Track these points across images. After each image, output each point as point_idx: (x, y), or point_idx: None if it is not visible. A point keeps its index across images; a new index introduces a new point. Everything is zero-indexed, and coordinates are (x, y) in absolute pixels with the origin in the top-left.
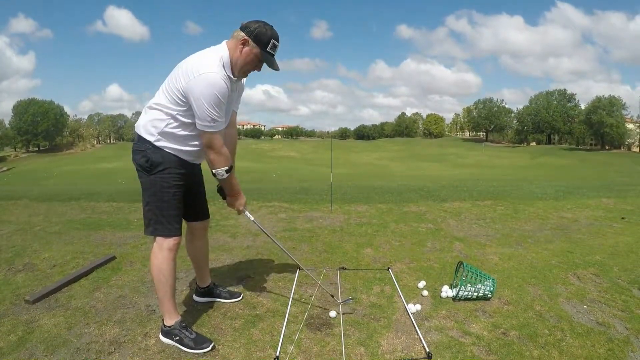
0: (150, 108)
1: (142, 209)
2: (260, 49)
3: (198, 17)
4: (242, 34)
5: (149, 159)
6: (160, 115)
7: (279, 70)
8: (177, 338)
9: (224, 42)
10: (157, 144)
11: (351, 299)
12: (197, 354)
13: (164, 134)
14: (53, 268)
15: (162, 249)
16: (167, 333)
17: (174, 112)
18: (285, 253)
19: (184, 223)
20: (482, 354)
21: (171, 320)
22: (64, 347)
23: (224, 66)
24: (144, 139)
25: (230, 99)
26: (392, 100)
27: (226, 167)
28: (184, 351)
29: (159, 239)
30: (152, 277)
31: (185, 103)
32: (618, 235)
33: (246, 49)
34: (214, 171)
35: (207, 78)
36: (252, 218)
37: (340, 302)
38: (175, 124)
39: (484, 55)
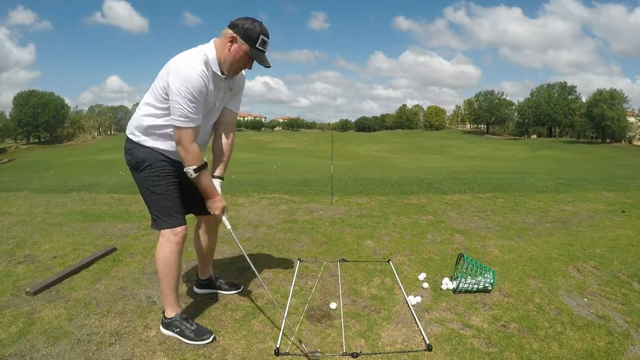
0: (140, 106)
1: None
2: (249, 46)
3: (196, 8)
4: (231, 31)
5: (134, 157)
6: (146, 114)
7: (270, 67)
8: (178, 330)
9: (212, 41)
10: (141, 143)
11: (319, 352)
12: (198, 345)
13: (148, 133)
14: (54, 259)
15: (169, 241)
16: (168, 325)
17: (159, 111)
18: (255, 273)
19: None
20: (482, 346)
21: (172, 312)
22: (64, 339)
23: (206, 63)
24: (130, 139)
25: (215, 97)
26: (392, 92)
27: (194, 167)
28: (185, 343)
29: (164, 231)
30: (157, 269)
31: (168, 100)
32: (618, 229)
33: (235, 46)
34: (184, 169)
35: (183, 73)
36: (229, 227)
37: (309, 352)
38: (159, 122)
39: (483, 47)
